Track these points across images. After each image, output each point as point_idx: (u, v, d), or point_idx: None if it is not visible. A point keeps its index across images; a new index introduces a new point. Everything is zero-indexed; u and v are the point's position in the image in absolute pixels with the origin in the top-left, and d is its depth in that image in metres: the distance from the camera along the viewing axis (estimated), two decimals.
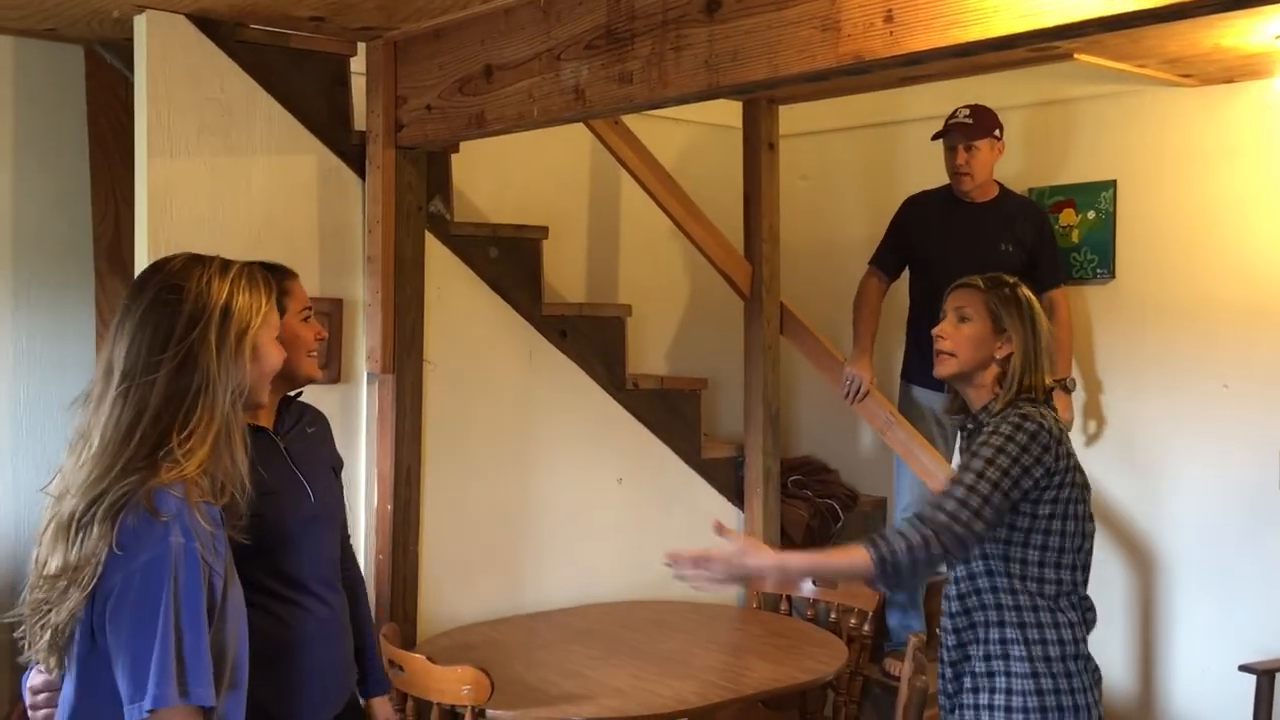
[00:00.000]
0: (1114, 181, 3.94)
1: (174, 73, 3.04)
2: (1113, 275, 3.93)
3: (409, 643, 3.29)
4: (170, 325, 1.65)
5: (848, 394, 4.00)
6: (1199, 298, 3.76)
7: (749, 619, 3.83)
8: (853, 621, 3.57)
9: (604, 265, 4.51)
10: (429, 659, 2.71)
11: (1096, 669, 2.31)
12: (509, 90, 2.88)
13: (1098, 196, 3.97)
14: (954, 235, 3.85)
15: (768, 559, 2.24)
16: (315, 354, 2.30)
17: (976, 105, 3.81)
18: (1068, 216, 4.04)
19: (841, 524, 4.31)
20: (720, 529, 2.35)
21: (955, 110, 3.83)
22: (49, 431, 3.43)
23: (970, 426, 2.40)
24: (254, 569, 1.99)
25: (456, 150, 3.64)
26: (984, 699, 2.29)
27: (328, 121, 3.29)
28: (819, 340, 4.27)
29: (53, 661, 1.66)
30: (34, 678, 1.80)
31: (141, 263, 3.06)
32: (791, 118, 4.36)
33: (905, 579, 2.20)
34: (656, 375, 4.13)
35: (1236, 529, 3.71)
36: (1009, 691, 2.26)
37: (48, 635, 1.62)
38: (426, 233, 3.41)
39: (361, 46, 3.32)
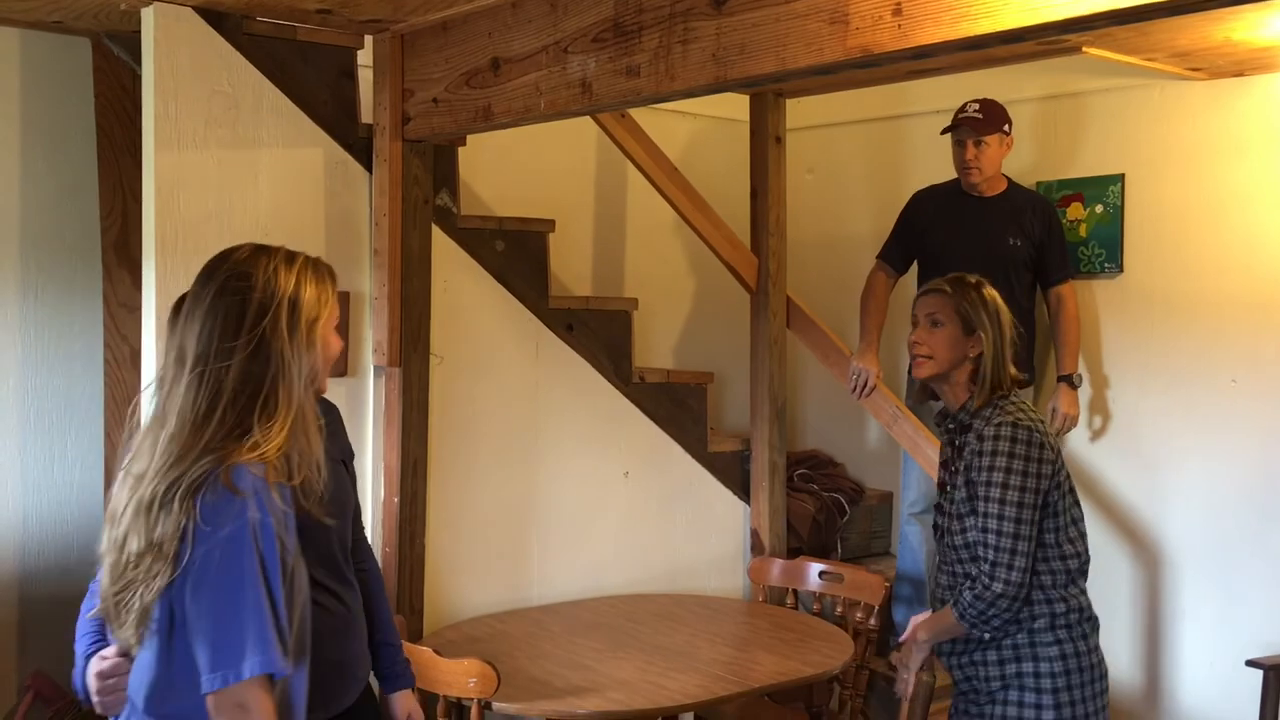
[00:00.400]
0: (1122, 175, 3.93)
1: (181, 65, 3.04)
2: (1121, 269, 3.91)
3: (415, 635, 3.30)
4: (241, 312, 1.72)
5: (855, 389, 4.00)
6: (1207, 292, 3.74)
7: (755, 612, 3.83)
8: (859, 615, 3.57)
9: (610, 259, 4.50)
10: (435, 651, 2.71)
11: (1096, 621, 2.55)
12: (516, 83, 2.88)
13: (1106, 190, 3.96)
14: (962, 229, 3.87)
15: (913, 652, 2.60)
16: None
17: (986, 100, 3.81)
18: (1075, 210, 4.03)
19: (848, 518, 4.31)
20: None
21: (964, 104, 3.83)
22: (57, 423, 3.44)
23: (951, 426, 2.59)
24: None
25: (463, 143, 3.64)
26: (1011, 668, 2.48)
27: (334, 115, 3.29)
28: (825, 334, 4.26)
29: (134, 639, 1.70)
30: (98, 664, 1.83)
31: (149, 256, 3.07)
32: (799, 111, 4.35)
33: (998, 625, 2.47)
34: (663, 369, 4.13)
35: (1243, 524, 3.70)
36: (1035, 659, 2.46)
37: (135, 614, 1.67)
38: (433, 226, 3.41)
39: (368, 40, 3.32)
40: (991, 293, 2.59)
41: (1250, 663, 3.52)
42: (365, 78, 3.35)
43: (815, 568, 3.82)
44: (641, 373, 3.99)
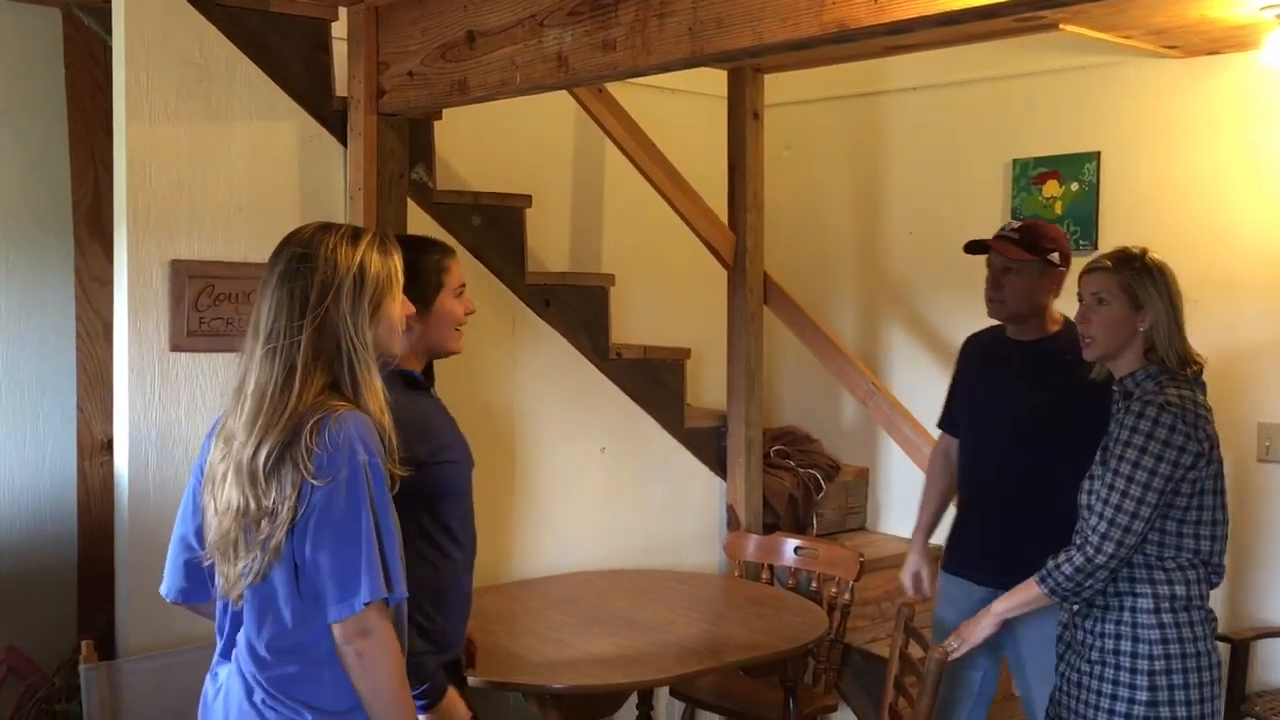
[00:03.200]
0: (1098, 153, 3.94)
1: (152, 36, 3.01)
2: (1095, 247, 3.93)
3: None
4: (305, 292, 1.84)
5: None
6: (1180, 270, 3.71)
7: (730, 587, 3.85)
8: (833, 590, 3.60)
9: (588, 234, 4.49)
10: None
11: (1214, 619, 2.51)
12: (492, 57, 2.86)
13: (1081, 168, 3.98)
14: (984, 382, 3.12)
15: (985, 619, 2.64)
16: (459, 329, 2.47)
17: (1031, 221, 3.03)
18: (1051, 188, 4.05)
19: (824, 494, 4.33)
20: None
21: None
22: (30, 398, 3.41)
23: (1115, 389, 2.55)
24: (420, 516, 2.23)
25: (439, 117, 3.62)
26: (1110, 644, 2.46)
27: (308, 87, 3.26)
28: (802, 310, 4.27)
29: (238, 592, 1.83)
30: None
31: (121, 229, 3.04)
32: (777, 87, 4.34)
33: (1087, 595, 2.47)
34: (640, 345, 4.13)
35: None
36: (1135, 639, 2.43)
37: (245, 566, 1.80)
38: (409, 200, 3.39)
39: (343, 11, 3.29)
40: (1157, 261, 2.52)
41: (1220, 637, 3.56)
42: (340, 50, 3.31)
43: (790, 543, 3.84)
44: (618, 349, 3.99)
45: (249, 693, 1.84)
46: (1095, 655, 2.48)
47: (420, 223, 3.46)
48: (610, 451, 3.99)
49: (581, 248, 4.47)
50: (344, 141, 3.30)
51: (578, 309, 3.88)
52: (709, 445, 4.19)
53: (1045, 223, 3.00)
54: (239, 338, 3.07)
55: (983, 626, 2.64)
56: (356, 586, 1.76)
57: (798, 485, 4.26)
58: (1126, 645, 2.43)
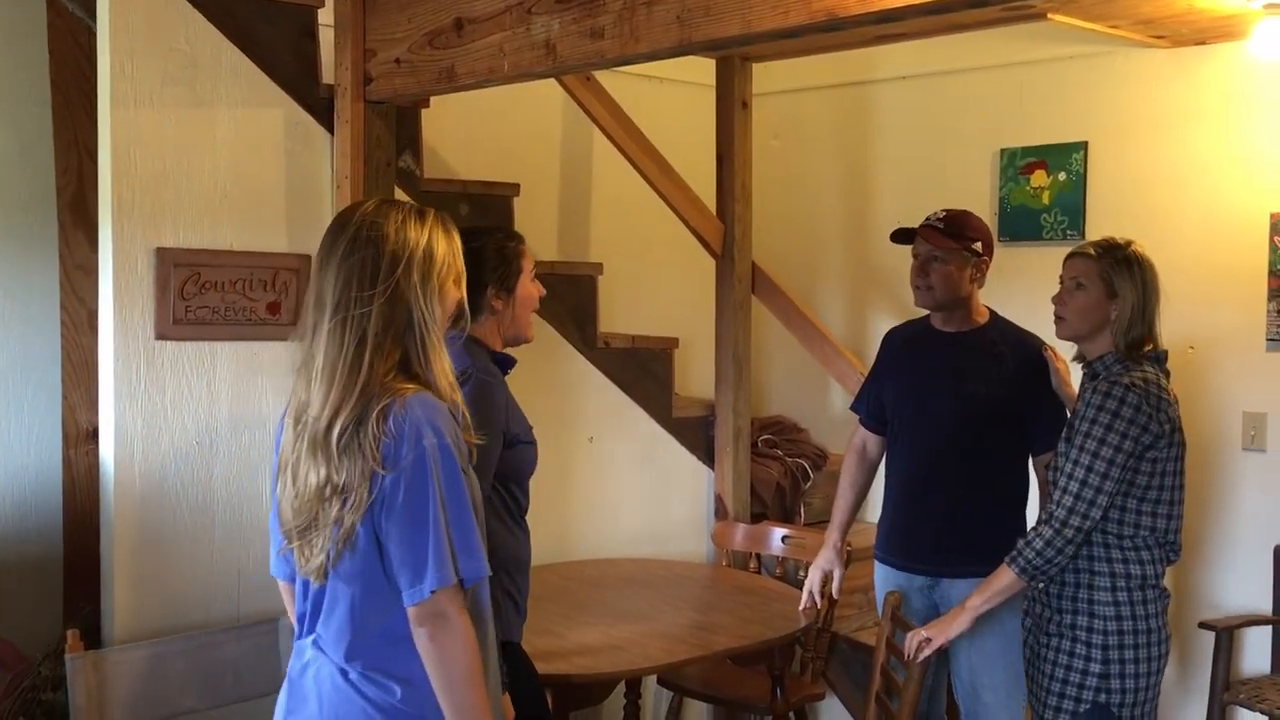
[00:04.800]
0: (1085, 143, 3.95)
1: (137, 22, 2.98)
2: (1083, 236, 3.93)
3: None
4: (376, 263, 1.83)
5: (803, 604, 3.29)
6: (1167, 260, 3.72)
7: (718, 577, 3.86)
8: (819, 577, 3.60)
9: (576, 223, 4.48)
10: None
11: (1168, 596, 2.62)
12: (479, 44, 2.84)
13: (1069, 158, 3.98)
14: (914, 374, 3.11)
15: (961, 616, 2.68)
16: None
17: (956, 210, 3.04)
18: (1039, 178, 4.05)
19: (811, 483, 4.33)
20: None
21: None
22: (14, 386, 3.38)
23: (1086, 372, 2.66)
24: (511, 488, 2.34)
25: (427, 105, 3.60)
26: (1067, 619, 2.58)
27: (295, 74, 3.24)
28: (790, 300, 4.27)
29: (318, 572, 1.84)
30: None
31: (105, 216, 3.02)
32: (765, 76, 4.34)
33: (1053, 572, 2.58)
34: (628, 334, 4.12)
35: (1201, 489, 3.75)
36: (1091, 614, 2.55)
37: (323, 546, 1.81)
38: (396, 189, 3.37)
39: None
40: (1140, 254, 2.62)
41: (1204, 624, 3.59)
42: (326, 37, 3.29)
43: (778, 532, 3.85)
44: (606, 338, 3.98)
45: (343, 673, 1.86)
46: (1054, 629, 2.61)
47: None
48: (598, 441, 3.98)
49: (569, 237, 4.46)
50: (331, 129, 3.28)
51: (565, 298, 3.87)
52: (697, 434, 4.19)
53: (969, 213, 3.02)
54: (224, 325, 3.09)
55: (957, 624, 2.68)
56: (424, 573, 1.78)
57: (785, 474, 4.27)
58: (1083, 620, 2.56)
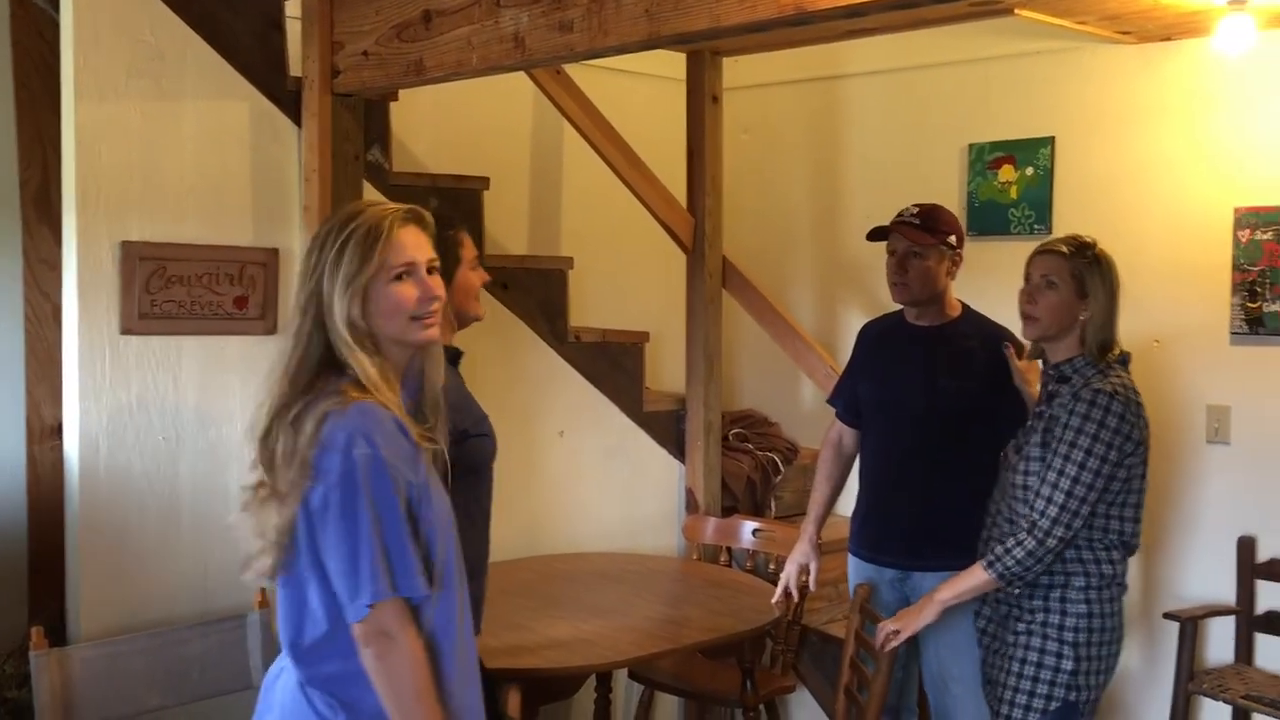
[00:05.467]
0: (1053, 138, 3.98)
1: (101, 14, 2.95)
2: (1050, 231, 3.96)
3: None
4: (311, 268, 1.83)
5: (776, 597, 3.24)
6: (1132, 254, 3.77)
7: (689, 570, 3.86)
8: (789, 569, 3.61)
9: (546, 217, 4.47)
10: None
11: (1125, 587, 2.64)
12: (448, 37, 2.83)
13: (1036, 153, 4.01)
14: (889, 369, 3.12)
15: (928, 608, 2.67)
16: (478, 296, 2.53)
17: (930, 205, 3.03)
18: (1007, 173, 4.08)
19: (782, 476, 4.34)
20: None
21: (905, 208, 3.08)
22: None
23: (1051, 373, 2.64)
24: (459, 487, 2.19)
25: (395, 98, 3.59)
26: (1039, 617, 2.58)
27: (262, 66, 3.22)
28: (761, 294, 4.28)
29: (268, 571, 1.81)
30: None
31: (70, 210, 2.99)
32: (736, 70, 4.34)
33: (1030, 579, 2.57)
34: (598, 328, 4.12)
35: (1166, 481, 3.79)
36: (1064, 613, 2.56)
37: (261, 550, 1.79)
38: (364, 182, 3.36)
39: None
40: (1106, 254, 2.61)
41: (1168, 615, 3.62)
42: (293, 29, 3.27)
43: (749, 525, 3.86)
44: (577, 332, 3.98)
45: (301, 685, 1.84)
46: (1022, 627, 2.60)
47: None
48: (569, 435, 3.98)
49: (540, 230, 4.45)
50: (298, 122, 3.26)
51: (536, 292, 3.87)
52: (668, 428, 4.20)
53: (941, 206, 3.03)
54: (191, 320, 3.07)
55: (924, 615, 2.68)
56: (359, 587, 1.73)
57: (756, 468, 4.28)
58: (1055, 619, 2.56)
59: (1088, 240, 2.63)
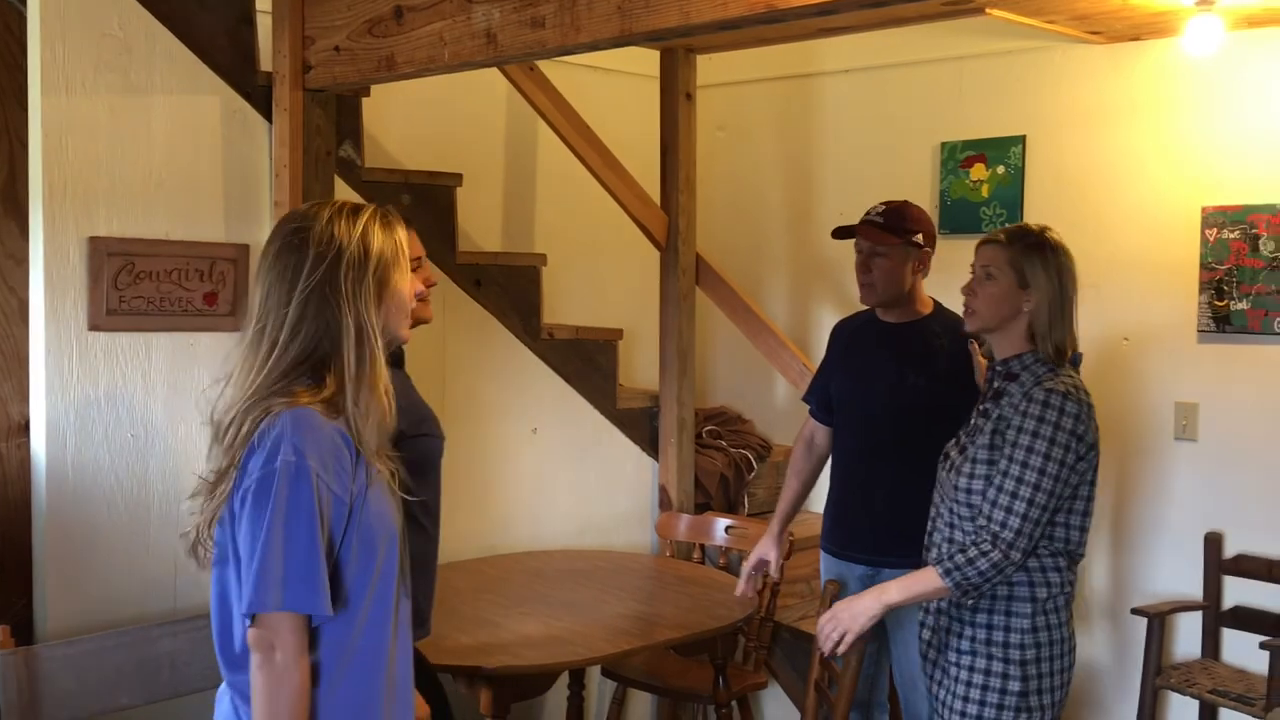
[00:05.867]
0: (1024, 137, 4.00)
1: (69, 7, 2.93)
2: None
3: None
4: (298, 267, 1.75)
5: (739, 589, 3.23)
6: (1102, 253, 3.84)
7: (661, 567, 3.87)
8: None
9: (520, 213, 4.47)
10: None
11: (1072, 597, 2.48)
12: (419, 33, 2.82)
13: (1008, 151, 4.03)
14: (860, 366, 3.12)
15: (868, 599, 2.45)
16: (425, 300, 2.42)
17: (897, 202, 3.03)
18: (978, 171, 4.10)
19: (755, 473, 4.36)
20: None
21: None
22: None
23: (999, 369, 2.46)
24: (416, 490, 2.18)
25: (368, 94, 3.57)
26: (981, 634, 2.41)
27: (232, 61, 3.19)
28: (735, 291, 4.29)
29: (200, 562, 1.81)
30: None
31: (37, 205, 2.96)
32: (710, 68, 4.35)
33: (986, 591, 2.39)
34: (572, 325, 4.12)
35: (1134, 478, 3.83)
36: (1007, 629, 2.39)
37: (200, 538, 1.79)
38: (336, 178, 3.34)
39: None
40: (1054, 240, 2.43)
41: (1136, 611, 3.66)
42: (264, 24, 3.25)
43: (721, 522, 3.87)
44: (550, 329, 3.97)
45: (228, 689, 1.82)
46: (966, 645, 2.43)
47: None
48: (542, 432, 3.98)
49: (513, 227, 4.44)
50: (269, 117, 3.24)
51: (509, 289, 3.86)
52: (641, 425, 4.20)
53: (909, 203, 3.01)
54: (160, 316, 3.05)
55: (867, 611, 2.44)
56: (259, 594, 1.66)
57: (729, 465, 4.29)
58: (999, 635, 2.40)
59: (1032, 228, 2.47)
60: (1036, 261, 2.40)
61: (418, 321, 2.43)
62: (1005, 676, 2.38)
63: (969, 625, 2.43)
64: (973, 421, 2.50)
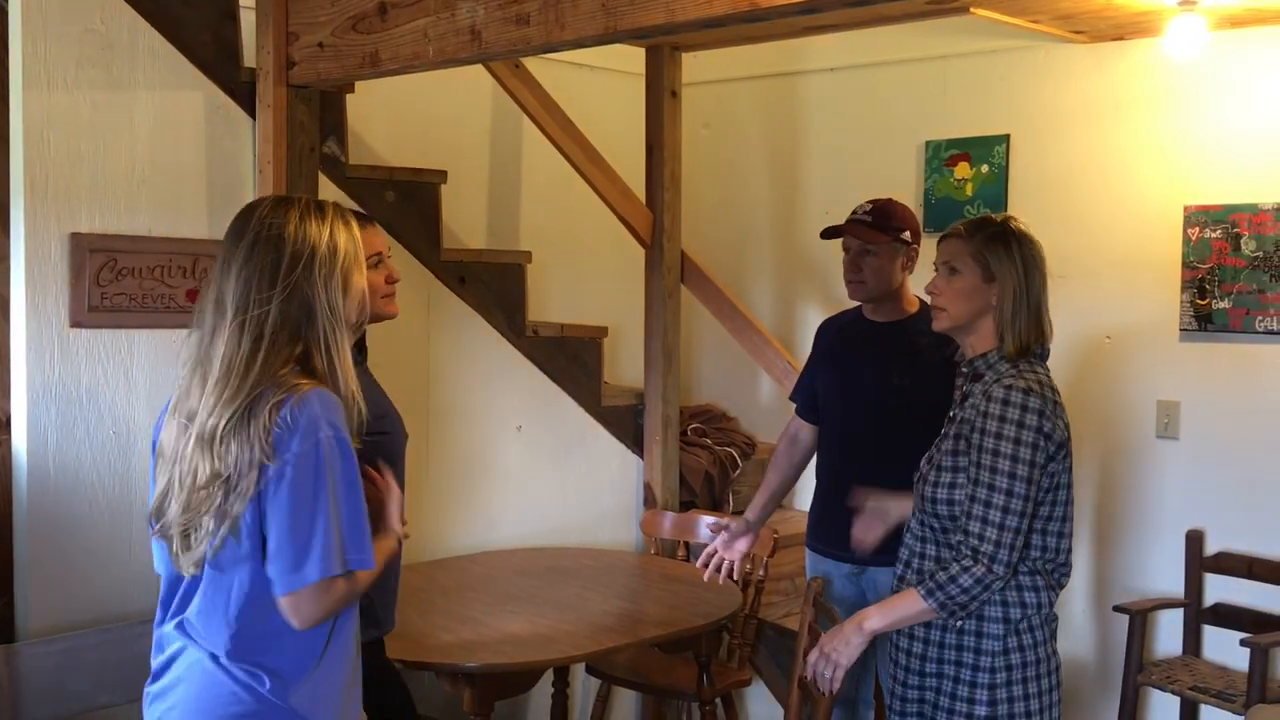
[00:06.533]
0: (1007, 136, 4.02)
1: (51, 3, 2.91)
2: None
3: None
4: (276, 264, 1.84)
5: (702, 560, 3.20)
6: (1086, 251, 3.86)
7: (646, 565, 3.87)
8: (748, 566, 3.63)
9: (505, 211, 4.46)
10: None
11: (1055, 619, 2.34)
12: (404, 29, 2.82)
13: (992, 150, 4.05)
14: (844, 365, 3.13)
15: (849, 630, 2.31)
16: (391, 295, 2.48)
17: (884, 200, 3.03)
18: (962, 170, 4.11)
19: (740, 471, 4.36)
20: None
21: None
22: None
23: (965, 370, 2.35)
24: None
25: (352, 90, 3.56)
26: (950, 654, 2.28)
27: (215, 57, 3.18)
28: (720, 289, 4.29)
29: (195, 565, 1.83)
30: None
31: (18, 202, 2.94)
32: (695, 66, 4.35)
33: (972, 610, 2.24)
34: (557, 323, 4.12)
35: (1116, 476, 3.85)
36: (977, 651, 2.25)
37: (207, 536, 1.80)
38: (320, 175, 3.33)
39: None
40: (1019, 229, 2.29)
41: (1118, 608, 3.68)
42: (247, 19, 3.24)
43: (706, 520, 3.87)
44: (535, 326, 3.97)
45: (214, 658, 1.85)
46: (932, 667, 2.31)
47: (332, 197, 3.38)
48: (527, 430, 3.98)
49: (498, 224, 4.43)
50: (253, 114, 3.23)
51: (494, 286, 3.85)
52: (626, 423, 4.20)
53: (895, 201, 3.01)
54: (142, 313, 3.03)
55: (852, 646, 2.31)
56: (306, 562, 1.77)
57: (714, 463, 4.29)
58: (968, 658, 2.26)
59: (994, 218, 2.35)
60: (1000, 252, 2.26)
61: (384, 317, 2.49)
62: (971, 701, 2.25)
63: (936, 646, 2.30)
64: (943, 429, 2.39)
